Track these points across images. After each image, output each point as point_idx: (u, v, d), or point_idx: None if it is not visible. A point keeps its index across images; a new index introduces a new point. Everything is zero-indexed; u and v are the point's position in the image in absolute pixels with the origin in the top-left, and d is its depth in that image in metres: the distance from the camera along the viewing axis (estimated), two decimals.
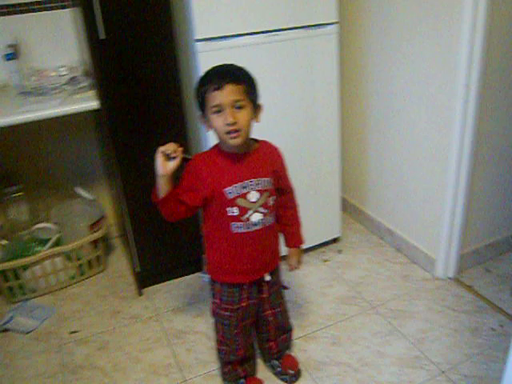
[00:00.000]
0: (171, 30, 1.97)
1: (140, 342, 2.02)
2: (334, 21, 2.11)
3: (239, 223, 1.47)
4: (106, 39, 1.86)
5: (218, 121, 1.36)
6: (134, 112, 2.03)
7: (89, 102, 1.94)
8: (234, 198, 1.44)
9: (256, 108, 1.44)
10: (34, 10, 2.27)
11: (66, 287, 2.40)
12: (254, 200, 1.46)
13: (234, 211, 1.45)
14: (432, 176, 2.18)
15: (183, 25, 1.98)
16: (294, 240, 1.70)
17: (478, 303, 2.10)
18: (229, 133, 1.36)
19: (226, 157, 1.46)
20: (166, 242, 2.27)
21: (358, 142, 2.64)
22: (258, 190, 1.46)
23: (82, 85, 2.09)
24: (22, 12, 2.25)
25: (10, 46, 2.18)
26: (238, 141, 1.38)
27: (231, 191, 1.43)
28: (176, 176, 1.45)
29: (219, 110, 1.35)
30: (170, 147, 1.40)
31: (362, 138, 2.60)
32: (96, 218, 2.44)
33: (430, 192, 2.22)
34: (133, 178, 2.11)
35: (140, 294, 2.30)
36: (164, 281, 2.38)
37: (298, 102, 2.18)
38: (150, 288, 2.35)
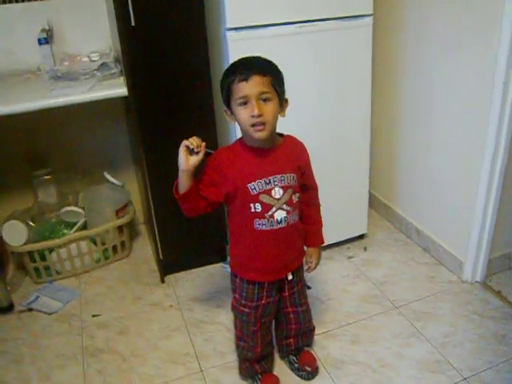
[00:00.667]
0: (203, 18, 1.95)
1: (159, 330, 2.03)
2: (368, 13, 2.06)
3: (263, 220, 1.44)
4: (136, 26, 1.85)
5: (244, 113, 1.33)
6: (163, 100, 2.03)
7: (118, 89, 1.95)
8: (258, 194, 1.41)
9: (282, 102, 1.40)
10: None
11: (90, 271, 2.43)
12: (277, 197, 1.42)
13: (257, 208, 1.42)
14: (464, 177, 2.11)
15: (215, 13, 1.96)
16: (315, 239, 1.67)
17: (505, 309, 2.03)
18: (254, 125, 1.33)
19: (249, 151, 1.42)
20: (189, 230, 2.27)
21: (388, 138, 2.58)
22: (282, 187, 1.42)
23: (112, 71, 2.10)
24: None
25: (44, 30, 2.20)
26: (263, 134, 1.34)
27: (254, 187, 1.40)
28: (198, 170, 1.43)
29: (245, 101, 1.32)
30: (193, 141, 1.37)
31: (393, 134, 2.54)
32: (122, 204, 2.46)
33: (461, 193, 2.15)
34: (158, 166, 2.11)
35: (162, 281, 2.32)
36: (187, 269, 2.39)
37: (329, 94, 2.14)
38: (173, 276, 2.36)
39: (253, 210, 1.42)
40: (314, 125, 2.13)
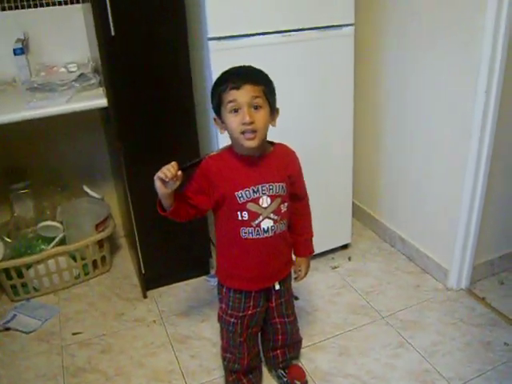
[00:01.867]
0: (184, 28, 1.93)
1: (143, 347, 1.98)
2: (350, 22, 2.06)
3: (249, 228, 1.42)
4: (116, 36, 1.82)
5: (235, 120, 1.31)
6: (143, 111, 1.99)
7: (97, 100, 1.91)
8: (245, 203, 1.39)
9: (273, 111, 1.39)
10: (44, 5, 2.23)
11: (69, 287, 2.36)
12: (265, 205, 1.41)
13: (244, 216, 1.40)
14: (447, 185, 2.12)
15: (197, 22, 1.94)
16: (305, 249, 1.65)
17: (490, 316, 2.04)
18: (244, 133, 1.31)
19: (238, 159, 1.41)
20: (172, 244, 2.23)
21: (371, 148, 2.58)
22: (270, 196, 1.41)
23: (91, 82, 2.05)
24: (31, 6, 2.21)
25: (19, 40, 2.14)
26: (253, 143, 1.33)
27: (242, 195, 1.39)
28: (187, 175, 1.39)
29: (236, 108, 1.31)
30: (168, 173, 1.30)
31: (375, 143, 2.54)
32: (102, 218, 2.41)
33: (444, 201, 2.16)
34: (139, 178, 2.05)
35: (145, 296, 2.26)
36: (170, 283, 2.34)
37: (311, 104, 2.13)
38: (156, 290, 2.31)
39: (239, 218, 1.41)
40: (296, 134, 2.10)
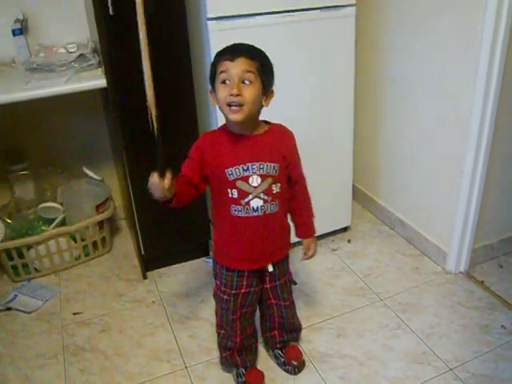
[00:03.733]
0: (183, 8, 1.91)
1: (142, 327, 1.99)
2: (351, 3, 2.03)
3: (238, 206, 1.42)
4: (114, 15, 1.80)
5: (223, 91, 1.31)
6: (143, 91, 1.97)
7: (96, 80, 1.90)
8: (235, 180, 1.39)
9: (267, 91, 1.37)
10: None
11: (70, 268, 2.38)
12: (255, 185, 1.40)
13: (234, 194, 1.40)
14: (447, 168, 2.11)
15: (195, 2, 1.92)
16: (304, 231, 1.64)
17: (489, 299, 2.04)
18: (230, 105, 1.30)
19: (230, 137, 1.41)
20: (172, 225, 2.23)
21: (371, 130, 2.57)
22: (261, 175, 1.40)
23: (90, 62, 2.04)
24: None
25: (18, 20, 2.13)
26: (238, 116, 1.31)
27: (232, 172, 1.38)
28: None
29: (227, 80, 1.31)
30: (157, 192, 1.27)
31: (375, 125, 2.53)
32: (102, 199, 2.41)
33: (444, 184, 2.15)
34: (139, 159, 2.06)
35: (144, 277, 2.27)
36: (169, 265, 2.35)
37: (311, 86, 2.11)
38: (155, 271, 2.32)
39: (230, 195, 1.41)
40: (296, 117, 2.09)
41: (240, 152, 1.39)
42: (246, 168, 1.39)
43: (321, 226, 2.29)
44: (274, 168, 1.41)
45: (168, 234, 2.25)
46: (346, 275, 2.23)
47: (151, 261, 2.29)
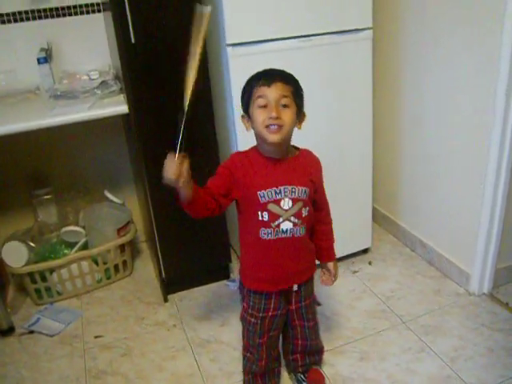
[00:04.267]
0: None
1: (164, 350, 1.99)
2: (368, 26, 2.06)
3: (268, 229, 1.43)
4: (136, 43, 1.85)
5: (262, 114, 1.34)
6: (163, 117, 2.01)
7: (118, 107, 1.94)
8: (267, 203, 1.40)
9: (299, 114, 1.41)
10: (66, 15, 2.28)
11: (92, 291, 2.40)
12: (286, 208, 1.41)
13: (265, 216, 1.41)
14: (468, 188, 2.10)
15: (215, 28, 1.96)
16: (328, 255, 1.65)
17: None
18: (268, 126, 1.33)
19: (263, 159, 1.42)
20: (192, 248, 2.25)
21: (391, 151, 2.57)
22: (292, 198, 1.41)
23: (112, 89, 2.09)
24: (54, 16, 2.27)
25: (43, 49, 2.19)
26: (276, 137, 1.34)
27: (264, 195, 1.40)
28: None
29: (265, 104, 1.33)
30: (172, 176, 1.29)
31: (395, 146, 2.53)
32: (124, 223, 2.43)
33: (465, 204, 2.13)
34: (160, 183, 2.08)
35: (165, 300, 2.28)
36: (190, 288, 2.36)
37: (330, 108, 2.13)
38: (176, 294, 2.33)
39: (260, 218, 1.42)
40: (316, 139, 2.08)
41: (273, 175, 1.41)
42: (278, 191, 1.40)
43: (341, 247, 2.30)
44: (304, 192, 1.43)
45: (189, 257, 2.26)
46: (367, 297, 2.21)
47: (172, 284, 2.30)
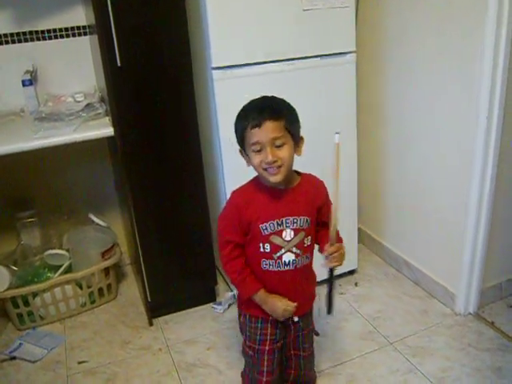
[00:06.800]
0: (188, 58, 1.96)
1: (149, 375, 1.96)
2: (351, 50, 2.09)
3: (270, 261, 1.41)
4: (122, 66, 1.85)
5: (258, 158, 1.32)
6: (149, 140, 2.02)
7: (103, 129, 1.93)
8: (269, 235, 1.39)
9: (297, 141, 1.39)
10: (52, 37, 2.28)
11: (75, 315, 2.36)
12: (288, 239, 1.40)
13: (267, 248, 1.40)
14: (452, 209, 2.12)
15: (200, 52, 1.98)
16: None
17: (500, 341, 2.01)
18: (267, 169, 1.32)
19: (264, 191, 1.41)
20: (178, 271, 2.23)
21: (375, 172, 2.59)
22: (294, 229, 1.40)
23: (97, 111, 2.08)
24: (40, 39, 2.27)
25: (28, 71, 2.19)
26: (277, 178, 1.33)
27: (266, 227, 1.39)
28: None
29: (259, 148, 1.31)
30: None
31: (379, 168, 2.55)
32: (108, 246, 2.41)
33: (450, 224, 2.16)
34: (145, 206, 2.08)
35: (151, 324, 2.25)
36: (176, 311, 2.33)
37: (315, 130, 2.13)
38: (161, 318, 2.30)
39: (262, 249, 1.41)
40: (299, 162, 2.12)
41: (275, 206, 1.39)
42: (280, 222, 1.39)
43: (327, 269, 2.30)
44: (306, 222, 1.41)
45: (174, 280, 2.25)
46: (354, 319, 2.21)
47: (157, 307, 2.28)
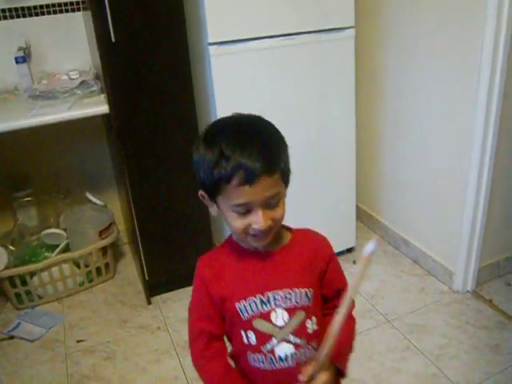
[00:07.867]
0: (184, 34, 1.93)
1: (148, 353, 1.97)
2: (350, 25, 2.05)
3: (259, 355, 0.99)
4: (116, 42, 1.82)
5: (242, 222, 0.92)
6: (145, 117, 1.99)
7: (98, 107, 1.91)
8: (250, 319, 0.97)
9: (288, 183, 0.98)
10: (45, 13, 2.24)
11: (73, 294, 2.36)
12: (280, 323, 0.97)
13: (250, 337, 0.98)
14: (451, 186, 2.11)
15: (196, 28, 1.94)
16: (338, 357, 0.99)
17: (497, 318, 2.02)
18: (253, 235, 0.94)
19: (240, 255, 1.01)
20: (176, 249, 2.22)
21: (373, 150, 2.57)
22: (287, 308, 0.98)
23: (92, 89, 2.06)
24: (32, 15, 2.22)
25: (21, 48, 2.15)
26: (265, 242, 0.96)
27: (245, 308, 0.98)
28: None
29: (246, 210, 0.91)
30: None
31: (377, 145, 2.53)
32: (105, 225, 2.40)
33: (448, 202, 2.14)
34: (142, 184, 2.07)
35: (149, 302, 2.25)
36: (174, 289, 2.33)
37: (313, 107, 2.12)
38: (160, 297, 2.30)
39: (245, 340, 0.99)
40: (298, 139, 2.10)
41: (256, 276, 0.99)
42: (265, 299, 0.98)
43: None
44: (306, 295, 1.00)
45: (172, 259, 2.24)
46: None
47: (155, 286, 2.28)
